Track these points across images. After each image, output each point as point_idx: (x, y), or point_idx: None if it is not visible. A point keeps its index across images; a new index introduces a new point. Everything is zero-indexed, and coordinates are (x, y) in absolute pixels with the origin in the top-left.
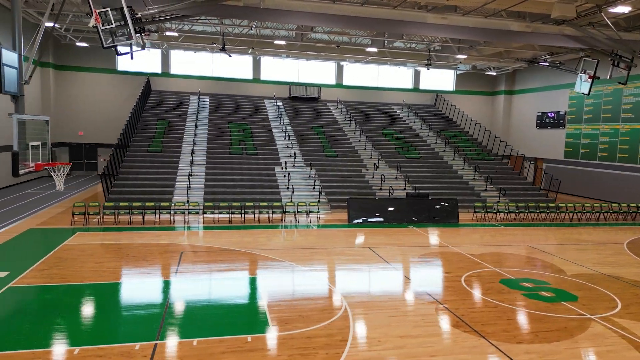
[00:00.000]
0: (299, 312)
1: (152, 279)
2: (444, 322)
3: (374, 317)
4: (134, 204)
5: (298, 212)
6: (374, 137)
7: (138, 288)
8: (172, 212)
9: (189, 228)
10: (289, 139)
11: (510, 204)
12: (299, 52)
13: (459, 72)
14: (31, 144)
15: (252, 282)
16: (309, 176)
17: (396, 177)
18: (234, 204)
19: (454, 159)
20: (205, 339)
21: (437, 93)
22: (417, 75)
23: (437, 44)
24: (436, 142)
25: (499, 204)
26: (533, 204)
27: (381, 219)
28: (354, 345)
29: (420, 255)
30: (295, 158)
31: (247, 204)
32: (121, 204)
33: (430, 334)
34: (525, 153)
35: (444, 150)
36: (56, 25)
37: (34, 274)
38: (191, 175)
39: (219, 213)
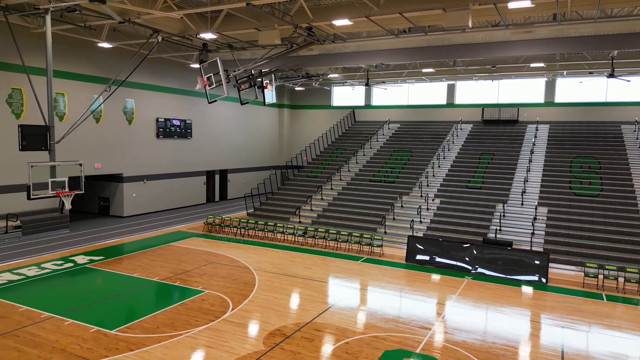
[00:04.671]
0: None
1: (156, 279)
2: None
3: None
4: (268, 223)
5: (376, 245)
6: (556, 166)
7: (136, 282)
8: (295, 232)
9: (277, 247)
10: (440, 167)
11: None
12: (492, 74)
13: None
14: (51, 180)
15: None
16: (427, 208)
17: (535, 218)
18: (342, 232)
19: None
20: (77, 322)
21: None
22: None
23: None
24: None
25: None
26: None
27: (441, 263)
28: None
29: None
30: (426, 187)
31: (354, 233)
32: (259, 222)
33: None
34: None
35: None
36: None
37: (114, 261)
38: (315, 199)
39: (315, 237)
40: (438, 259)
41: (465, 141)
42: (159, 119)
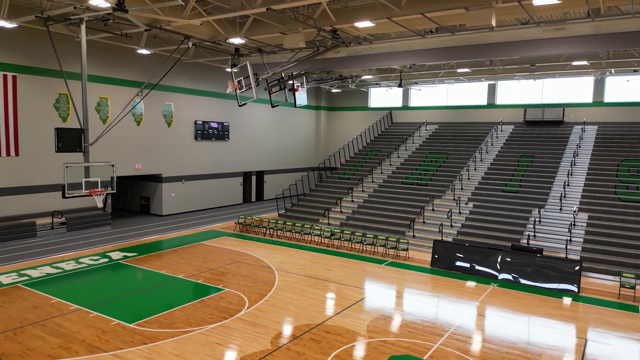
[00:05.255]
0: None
1: (181, 276)
2: None
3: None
4: (296, 224)
5: (401, 248)
6: (601, 169)
7: (162, 278)
8: (321, 233)
9: (303, 248)
10: (476, 170)
11: None
12: (533, 73)
13: None
14: (84, 180)
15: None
16: (459, 212)
17: (573, 224)
18: (368, 235)
19: None
20: (101, 314)
21: None
22: None
23: None
24: None
25: None
26: None
27: (467, 268)
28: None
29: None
30: (459, 190)
31: (379, 236)
32: (287, 223)
33: None
34: None
35: None
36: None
37: (146, 257)
38: (345, 201)
39: (341, 239)
40: (464, 265)
41: (504, 143)
42: (197, 122)
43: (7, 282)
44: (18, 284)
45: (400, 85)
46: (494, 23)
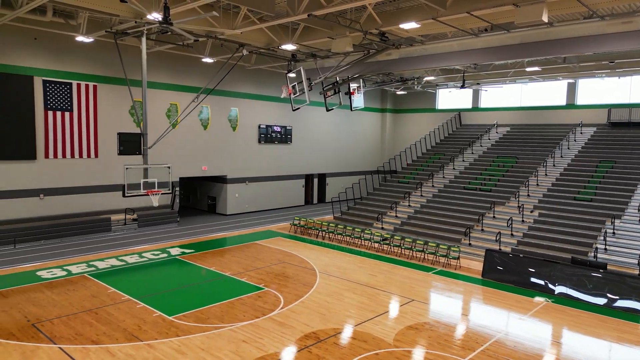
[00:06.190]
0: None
1: (228, 274)
2: None
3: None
4: (347, 227)
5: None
6: None
7: (210, 275)
8: (371, 238)
9: (351, 252)
10: (547, 175)
11: None
12: (614, 70)
13: None
14: (142, 180)
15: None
16: (522, 220)
17: None
18: (418, 241)
19: None
20: (146, 306)
21: None
22: None
23: None
24: None
25: None
26: None
27: (520, 281)
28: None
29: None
30: (525, 197)
31: (430, 243)
32: (339, 226)
33: None
34: None
35: None
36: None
37: (201, 254)
38: (402, 205)
39: (391, 244)
40: (517, 277)
41: (583, 147)
42: (261, 126)
43: (76, 272)
44: (85, 274)
45: (462, 86)
46: (545, 19)
